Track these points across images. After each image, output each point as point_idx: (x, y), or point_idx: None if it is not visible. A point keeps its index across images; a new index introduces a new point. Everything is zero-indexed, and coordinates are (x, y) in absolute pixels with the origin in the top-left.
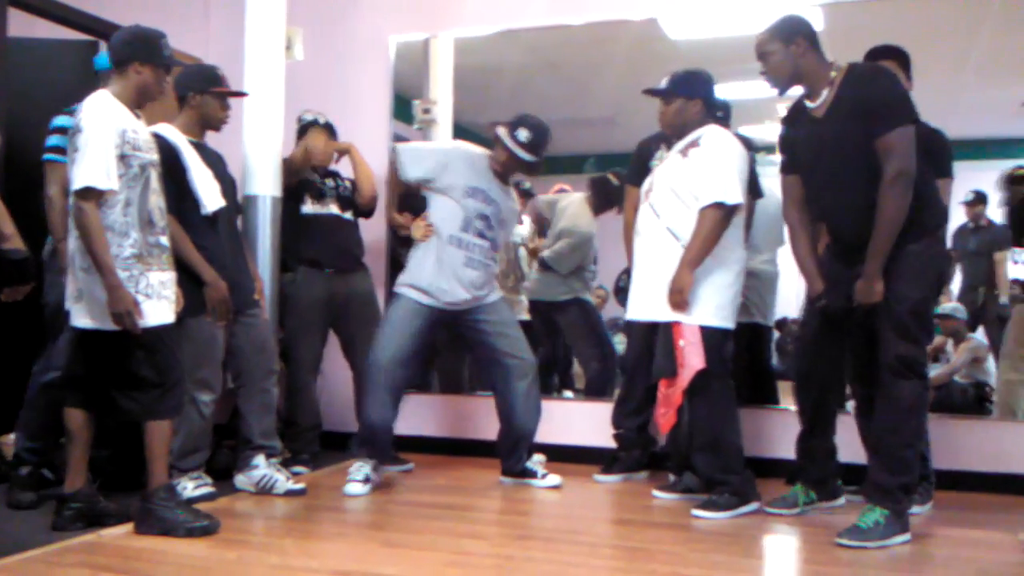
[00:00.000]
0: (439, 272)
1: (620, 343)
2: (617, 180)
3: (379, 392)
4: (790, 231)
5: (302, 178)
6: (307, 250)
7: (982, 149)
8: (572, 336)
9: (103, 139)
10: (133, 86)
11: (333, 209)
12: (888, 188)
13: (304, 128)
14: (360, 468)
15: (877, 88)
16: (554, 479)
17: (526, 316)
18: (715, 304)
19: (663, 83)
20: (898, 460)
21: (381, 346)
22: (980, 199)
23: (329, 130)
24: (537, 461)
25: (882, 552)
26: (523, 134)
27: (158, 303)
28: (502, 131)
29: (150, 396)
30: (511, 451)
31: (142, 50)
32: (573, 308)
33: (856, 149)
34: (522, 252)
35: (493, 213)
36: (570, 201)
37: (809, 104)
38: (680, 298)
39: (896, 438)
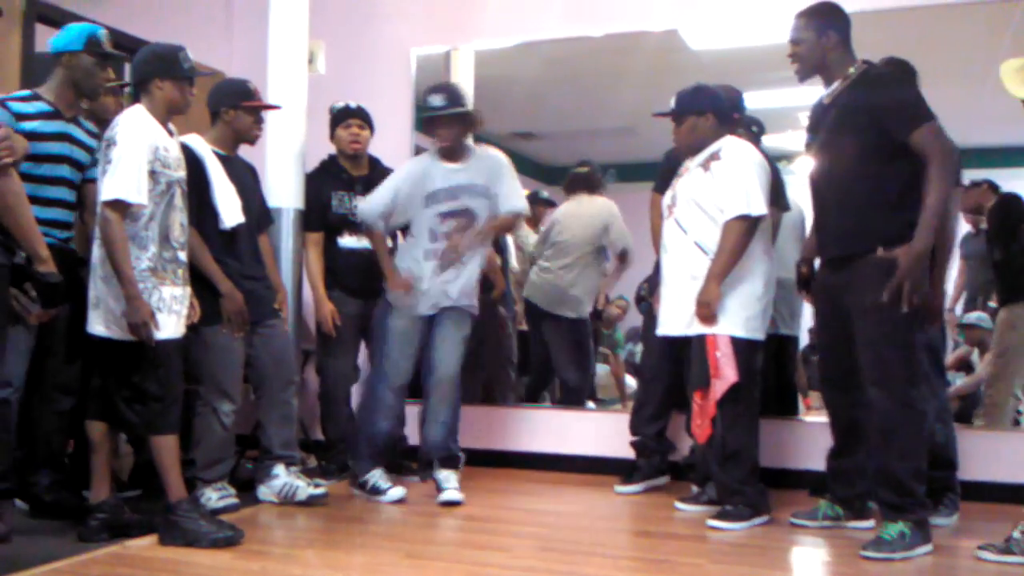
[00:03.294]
0: (420, 285)
1: (638, 352)
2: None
3: (379, 404)
4: None
5: (338, 213)
6: (343, 278)
7: (1006, 157)
8: (555, 347)
9: (137, 154)
10: (159, 102)
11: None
12: (935, 175)
13: (337, 118)
14: (382, 476)
15: (885, 93)
16: (452, 495)
17: (523, 326)
18: (745, 316)
19: (671, 104)
20: (891, 477)
21: (377, 359)
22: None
23: (363, 115)
24: (446, 476)
25: (908, 564)
26: (436, 99)
27: (168, 317)
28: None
29: (152, 410)
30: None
31: (159, 66)
32: (564, 324)
33: (850, 144)
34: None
35: (463, 201)
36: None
37: (824, 93)
38: (708, 311)
39: (885, 455)
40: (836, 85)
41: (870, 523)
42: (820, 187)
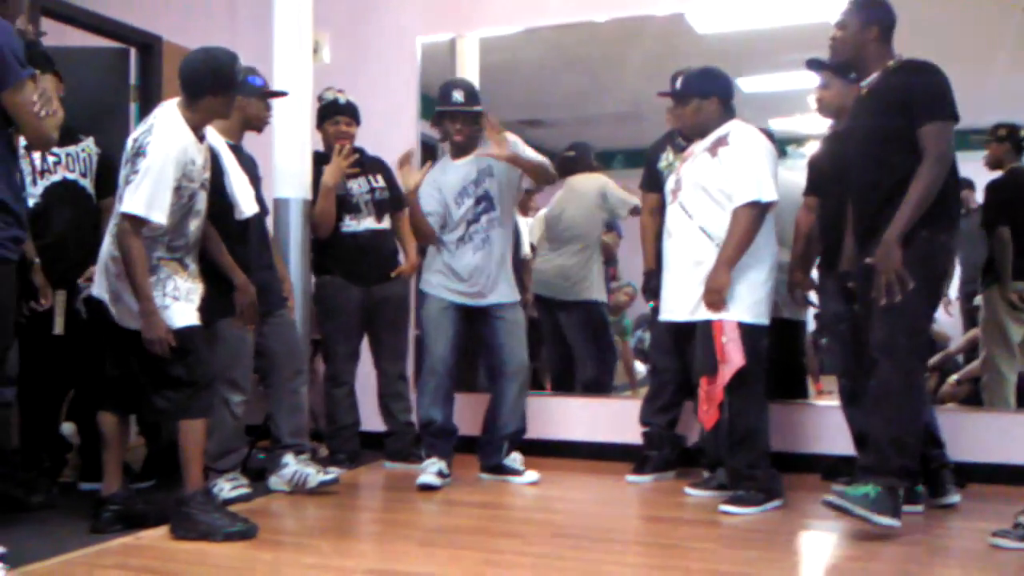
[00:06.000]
0: (447, 269)
1: (647, 339)
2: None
3: (431, 394)
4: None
5: (337, 195)
6: (345, 263)
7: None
8: (573, 336)
9: (164, 173)
10: (203, 114)
11: (370, 224)
12: (926, 171)
13: (326, 112)
14: (434, 463)
15: (919, 80)
16: (532, 475)
17: (533, 313)
18: (751, 300)
19: (677, 85)
20: (872, 439)
21: (429, 351)
22: (967, 184)
23: (351, 111)
24: (515, 459)
25: (918, 548)
26: (458, 95)
27: (186, 305)
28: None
29: (183, 395)
30: (488, 447)
31: (216, 83)
32: (580, 310)
33: (884, 128)
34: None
35: (484, 186)
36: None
37: (861, 84)
38: (718, 298)
39: (877, 421)
40: (875, 76)
41: (919, 508)
42: (854, 170)
